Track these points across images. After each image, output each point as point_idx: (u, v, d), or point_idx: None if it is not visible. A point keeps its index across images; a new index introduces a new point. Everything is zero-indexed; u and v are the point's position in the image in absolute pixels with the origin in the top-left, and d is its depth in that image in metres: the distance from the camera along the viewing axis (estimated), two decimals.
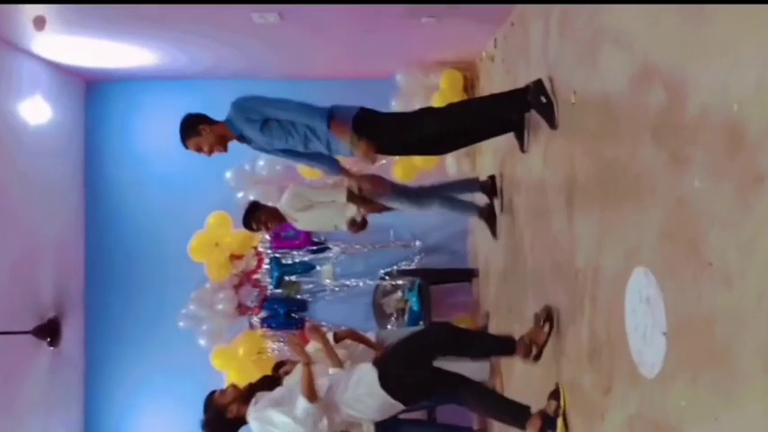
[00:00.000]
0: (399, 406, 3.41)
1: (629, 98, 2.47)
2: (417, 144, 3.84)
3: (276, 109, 3.64)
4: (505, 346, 3.45)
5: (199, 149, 3.80)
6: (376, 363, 3.45)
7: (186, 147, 3.87)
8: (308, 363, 3.47)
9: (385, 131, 3.68)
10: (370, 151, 3.60)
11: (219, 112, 6.59)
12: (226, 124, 3.75)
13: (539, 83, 3.50)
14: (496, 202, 4.86)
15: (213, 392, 3.75)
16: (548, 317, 3.37)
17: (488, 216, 4.89)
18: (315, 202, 4.81)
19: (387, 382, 3.30)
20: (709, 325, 1.84)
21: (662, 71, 2.18)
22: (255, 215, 4.81)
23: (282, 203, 4.88)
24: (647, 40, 2.30)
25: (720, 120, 1.79)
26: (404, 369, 3.35)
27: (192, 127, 3.80)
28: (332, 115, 3.58)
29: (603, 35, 2.76)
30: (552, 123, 3.44)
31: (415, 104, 6.26)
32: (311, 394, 3.36)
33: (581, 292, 2.98)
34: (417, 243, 6.48)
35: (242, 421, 3.55)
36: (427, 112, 3.86)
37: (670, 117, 2.10)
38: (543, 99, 3.46)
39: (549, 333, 3.33)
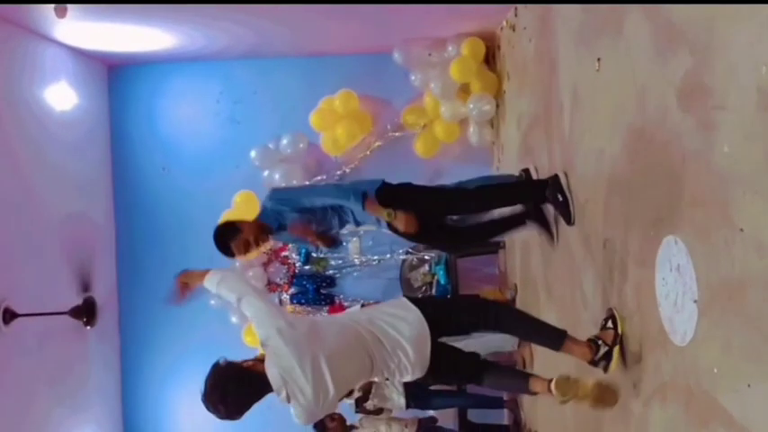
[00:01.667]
0: (427, 343, 2.94)
1: (655, 64, 2.43)
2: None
3: (311, 196, 3.76)
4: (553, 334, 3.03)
5: (246, 246, 3.71)
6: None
7: (231, 253, 3.75)
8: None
9: (415, 199, 3.73)
10: (410, 220, 3.58)
11: (238, 92, 6.66)
12: (259, 220, 3.79)
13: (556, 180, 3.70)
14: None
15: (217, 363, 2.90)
16: (611, 317, 2.92)
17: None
18: None
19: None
20: (740, 291, 1.82)
21: (688, 36, 2.14)
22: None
23: None
24: (673, 4, 2.26)
25: (748, 83, 1.76)
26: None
27: (229, 229, 3.77)
28: (365, 194, 3.62)
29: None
30: (568, 219, 3.62)
31: (430, 77, 6.19)
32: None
33: (610, 261, 2.97)
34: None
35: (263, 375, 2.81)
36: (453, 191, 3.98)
37: (697, 82, 2.07)
38: (560, 197, 3.64)
39: (616, 333, 2.84)
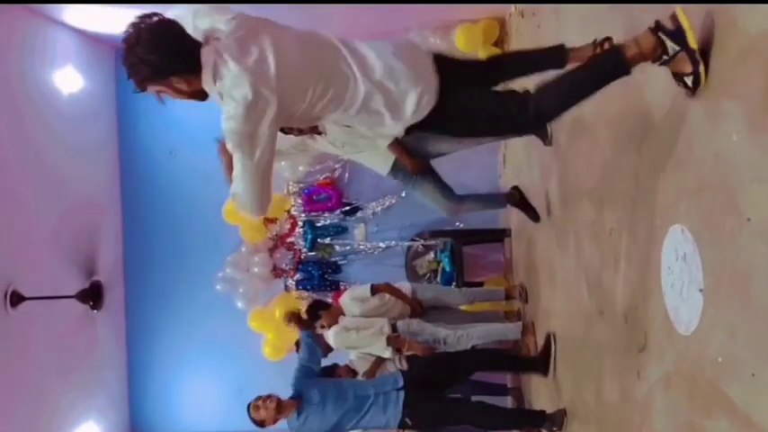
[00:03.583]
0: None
1: None
2: None
3: None
4: None
5: None
6: None
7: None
8: None
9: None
10: None
11: None
12: None
13: None
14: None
15: None
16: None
17: (520, 200, 4.70)
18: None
19: None
20: (746, 281, 1.81)
21: (699, 16, 2.12)
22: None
23: None
24: None
25: (760, 69, 1.74)
26: None
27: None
28: None
29: None
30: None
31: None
32: None
33: (615, 250, 2.96)
34: None
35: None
36: None
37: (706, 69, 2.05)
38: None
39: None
